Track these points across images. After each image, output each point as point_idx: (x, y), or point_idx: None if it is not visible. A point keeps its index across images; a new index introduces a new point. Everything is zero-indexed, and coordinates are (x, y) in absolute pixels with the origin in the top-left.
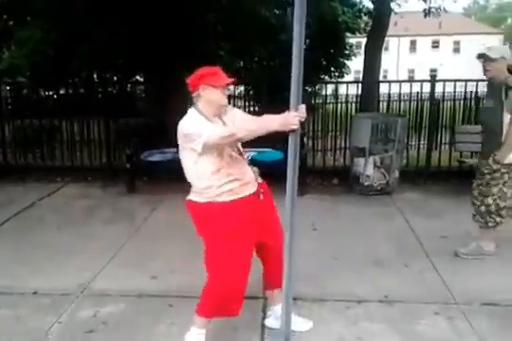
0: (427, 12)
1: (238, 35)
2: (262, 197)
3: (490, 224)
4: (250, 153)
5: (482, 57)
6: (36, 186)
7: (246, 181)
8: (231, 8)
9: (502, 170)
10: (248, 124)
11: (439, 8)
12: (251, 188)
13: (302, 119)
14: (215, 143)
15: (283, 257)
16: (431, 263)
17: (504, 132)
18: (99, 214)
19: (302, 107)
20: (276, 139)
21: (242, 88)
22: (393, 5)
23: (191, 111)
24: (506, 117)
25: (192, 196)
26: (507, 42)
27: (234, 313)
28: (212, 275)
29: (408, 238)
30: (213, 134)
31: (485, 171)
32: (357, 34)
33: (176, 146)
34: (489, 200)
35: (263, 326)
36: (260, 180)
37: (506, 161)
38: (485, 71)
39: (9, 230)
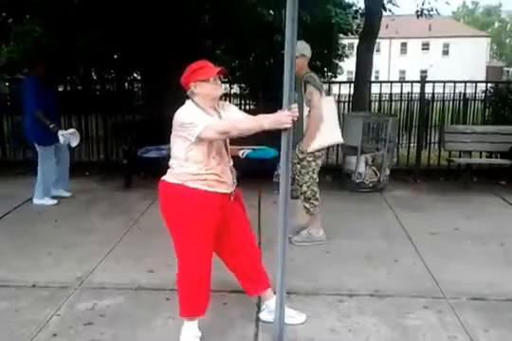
0: (419, 14)
1: (234, 34)
2: (232, 199)
3: (312, 210)
4: (245, 151)
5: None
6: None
7: (223, 179)
8: (228, 7)
9: (308, 159)
10: (242, 122)
11: (431, 9)
12: (226, 189)
13: (295, 118)
14: (209, 137)
15: (257, 260)
16: (420, 258)
17: (305, 123)
18: (97, 208)
19: (295, 106)
20: (271, 137)
21: (237, 87)
22: (388, 7)
23: (188, 102)
24: (306, 110)
25: (166, 177)
26: (494, 44)
27: (201, 311)
28: (180, 263)
29: (397, 233)
30: (209, 126)
31: (295, 161)
32: (350, 35)
33: None
34: (304, 188)
35: (257, 319)
36: (235, 184)
37: (310, 150)
38: None
39: (8, 224)
